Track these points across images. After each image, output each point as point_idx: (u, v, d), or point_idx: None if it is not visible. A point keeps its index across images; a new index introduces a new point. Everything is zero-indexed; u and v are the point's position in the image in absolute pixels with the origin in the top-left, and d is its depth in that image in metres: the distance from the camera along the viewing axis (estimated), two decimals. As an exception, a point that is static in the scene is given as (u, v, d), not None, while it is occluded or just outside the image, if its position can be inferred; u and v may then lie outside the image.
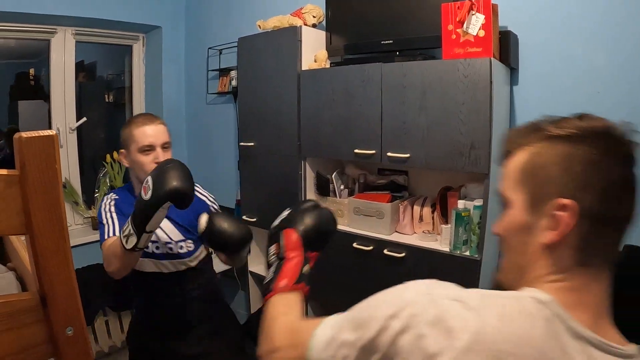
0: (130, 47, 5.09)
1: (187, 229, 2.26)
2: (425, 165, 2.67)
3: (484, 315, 0.78)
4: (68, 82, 4.47)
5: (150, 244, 2.18)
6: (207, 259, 2.43)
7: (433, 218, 2.91)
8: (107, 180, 4.53)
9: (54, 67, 4.41)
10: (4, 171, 0.87)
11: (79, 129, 4.57)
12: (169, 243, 2.24)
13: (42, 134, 0.84)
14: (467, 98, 2.46)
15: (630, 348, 0.83)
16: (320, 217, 1.48)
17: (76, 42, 4.52)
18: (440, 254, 2.64)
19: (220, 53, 4.53)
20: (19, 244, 1.62)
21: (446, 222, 2.76)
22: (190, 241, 2.28)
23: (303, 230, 1.40)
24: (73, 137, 4.53)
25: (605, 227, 0.83)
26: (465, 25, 2.51)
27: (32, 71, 4.86)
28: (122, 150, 2.25)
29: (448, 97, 2.52)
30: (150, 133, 2.18)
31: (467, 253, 2.59)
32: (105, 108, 5.43)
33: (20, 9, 3.86)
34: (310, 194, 3.35)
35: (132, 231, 1.82)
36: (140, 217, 1.80)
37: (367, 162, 3.02)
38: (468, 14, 2.49)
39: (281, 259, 1.34)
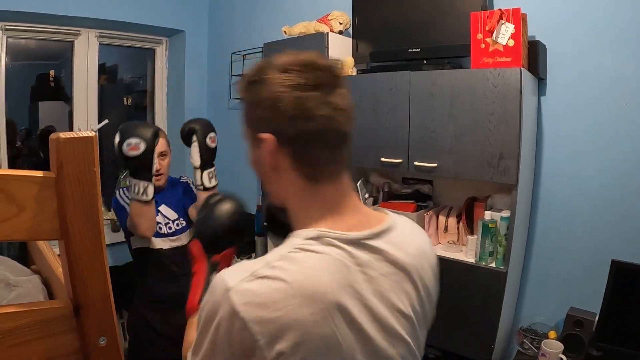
0: (152, 51, 5.10)
1: (179, 209, 2.63)
2: (453, 175, 2.63)
3: (279, 274, 0.89)
4: (90, 84, 4.48)
5: None
6: None
7: (458, 228, 2.87)
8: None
9: (76, 69, 4.42)
10: (39, 173, 0.84)
11: (99, 131, 4.57)
12: (168, 223, 2.62)
13: (81, 135, 0.81)
14: (497, 108, 2.42)
15: (386, 222, 1.05)
16: (220, 216, 1.48)
17: (99, 44, 4.53)
18: (466, 265, 2.59)
19: (244, 58, 4.50)
20: (44, 245, 1.59)
21: (472, 233, 2.72)
22: (182, 219, 2.67)
23: (204, 238, 1.46)
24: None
25: (306, 145, 0.97)
26: (494, 35, 2.47)
27: (52, 73, 4.88)
28: None
29: (477, 106, 2.49)
30: None
31: (493, 265, 2.54)
32: (125, 111, 5.44)
33: (44, 10, 3.87)
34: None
35: (144, 184, 2.30)
36: (145, 167, 2.29)
37: (393, 171, 2.99)
38: (497, 23, 2.46)
39: (193, 273, 1.43)
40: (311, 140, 0.97)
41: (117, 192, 2.77)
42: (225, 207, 1.50)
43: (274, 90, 0.96)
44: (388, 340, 0.96)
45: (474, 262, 2.59)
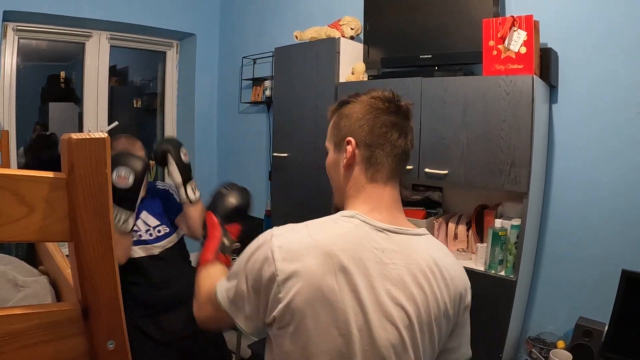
0: (163, 54, 5.11)
1: (161, 216, 2.64)
2: (464, 183, 2.61)
3: (309, 231, 1.20)
4: (101, 86, 4.51)
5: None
6: (180, 245, 2.76)
7: (468, 236, 2.85)
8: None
9: (87, 71, 4.45)
10: (49, 173, 0.83)
11: (109, 133, 4.57)
12: (148, 229, 2.59)
13: (93, 136, 0.80)
14: (509, 115, 2.41)
15: (420, 230, 1.30)
16: (234, 196, 1.89)
17: (110, 46, 4.55)
18: (475, 273, 2.56)
19: (255, 62, 4.52)
20: (52, 246, 1.59)
21: (482, 241, 2.70)
22: (164, 225, 2.64)
23: (220, 211, 1.84)
24: (104, 141, 4.55)
25: (376, 151, 1.28)
26: (506, 42, 2.46)
27: (63, 74, 4.90)
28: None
29: (489, 113, 2.47)
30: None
31: (503, 273, 2.52)
32: (135, 113, 5.46)
33: (56, 12, 3.89)
34: (344, 207, 3.27)
35: (127, 214, 2.17)
36: (131, 199, 2.19)
37: (403, 177, 2.98)
38: (510, 30, 2.44)
39: (205, 237, 1.76)
40: (380, 147, 1.28)
41: None
42: (238, 191, 1.92)
43: (363, 108, 1.30)
44: (381, 321, 1.15)
45: (483, 270, 2.57)
